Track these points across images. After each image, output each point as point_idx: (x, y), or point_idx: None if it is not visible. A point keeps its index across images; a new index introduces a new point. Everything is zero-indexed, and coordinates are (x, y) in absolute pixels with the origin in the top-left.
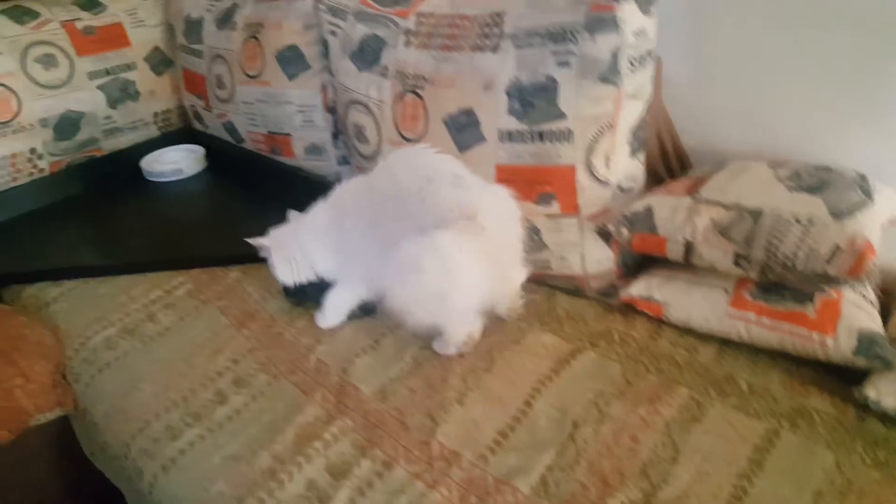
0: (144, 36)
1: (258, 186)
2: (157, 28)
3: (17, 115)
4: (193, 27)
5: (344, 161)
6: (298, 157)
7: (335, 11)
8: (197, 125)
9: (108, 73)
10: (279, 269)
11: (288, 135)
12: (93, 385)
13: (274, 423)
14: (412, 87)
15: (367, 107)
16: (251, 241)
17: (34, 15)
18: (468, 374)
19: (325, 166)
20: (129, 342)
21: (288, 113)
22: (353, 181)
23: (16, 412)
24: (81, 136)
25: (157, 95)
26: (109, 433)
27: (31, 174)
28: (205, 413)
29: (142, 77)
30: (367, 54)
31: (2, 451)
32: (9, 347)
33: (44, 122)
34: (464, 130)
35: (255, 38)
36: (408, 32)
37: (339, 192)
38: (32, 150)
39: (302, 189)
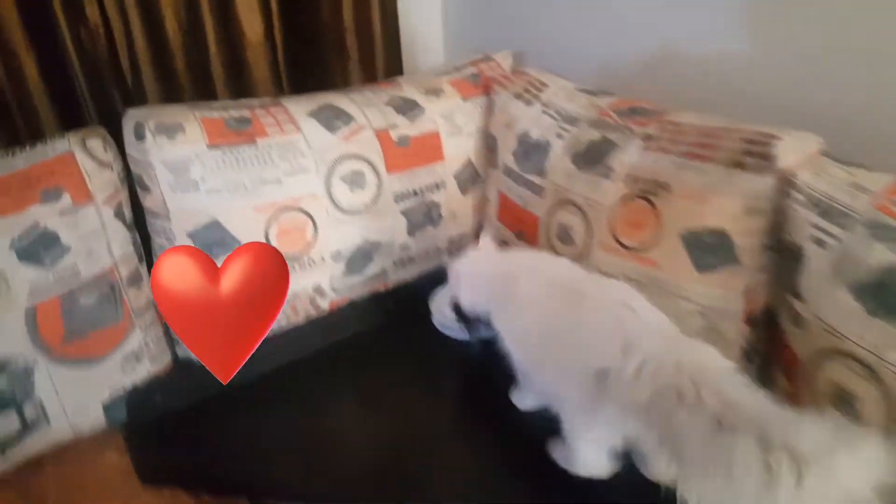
0: (458, 147)
1: None
2: (472, 136)
3: (310, 246)
4: (533, 152)
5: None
6: None
7: (828, 212)
8: None
9: (415, 194)
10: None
11: None
12: None
13: None
14: None
15: (871, 370)
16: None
17: (347, 119)
18: None
19: None
20: None
21: (681, 311)
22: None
23: None
24: (373, 269)
25: (457, 218)
26: None
27: (308, 315)
28: None
29: (448, 197)
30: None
31: None
32: None
33: (337, 256)
34: None
35: (649, 200)
36: None
37: (548, 270)
38: (317, 288)
39: None
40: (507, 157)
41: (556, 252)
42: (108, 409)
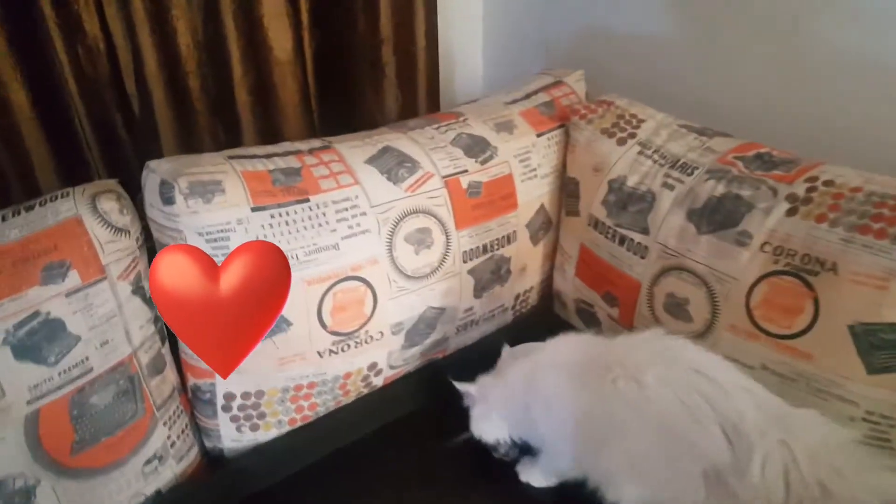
0: (532, 191)
1: None
2: (546, 178)
3: (367, 321)
4: (630, 202)
5: None
6: None
7: None
8: (575, 321)
9: (485, 250)
10: (475, 424)
11: None
12: None
13: None
14: None
15: None
16: (458, 385)
17: (411, 166)
18: None
19: None
20: None
21: (840, 415)
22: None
23: None
24: (433, 338)
25: (526, 273)
26: None
27: (360, 393)
28: None
29: (518, 251)
30: None
31: None
32: None
33: (397, 328)
34: None
35: (804, 280)
36: None
37: (571, 355)
38: (373, 366)
39: None
40: (593, 205)
41: (663, 326)
42: None
